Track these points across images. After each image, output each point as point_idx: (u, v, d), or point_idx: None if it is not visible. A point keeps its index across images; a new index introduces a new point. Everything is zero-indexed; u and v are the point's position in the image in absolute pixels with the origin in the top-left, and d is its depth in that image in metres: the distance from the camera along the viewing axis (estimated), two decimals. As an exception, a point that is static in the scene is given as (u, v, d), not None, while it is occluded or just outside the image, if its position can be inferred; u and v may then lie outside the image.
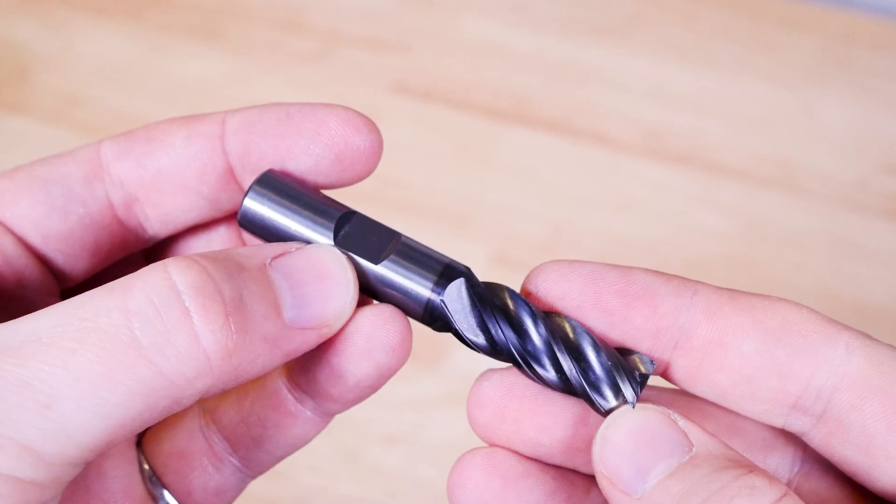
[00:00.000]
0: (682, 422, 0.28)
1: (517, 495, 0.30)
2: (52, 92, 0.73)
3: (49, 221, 0.32)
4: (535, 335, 0.29)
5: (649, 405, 0.28)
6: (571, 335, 0.29)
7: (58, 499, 0.28)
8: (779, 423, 0.30)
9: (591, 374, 0.29)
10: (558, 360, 0.29)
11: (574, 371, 0.29)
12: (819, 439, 0.30)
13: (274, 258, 0.29)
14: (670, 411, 0.28)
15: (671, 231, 0.66)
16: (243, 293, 0.27)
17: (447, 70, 0.73)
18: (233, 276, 0.27)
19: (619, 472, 0.27)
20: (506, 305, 0.30)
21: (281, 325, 0.28)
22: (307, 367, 0.31)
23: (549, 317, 0.30)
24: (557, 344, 0.29)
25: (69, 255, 0.32)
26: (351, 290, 0.29)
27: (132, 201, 0.33)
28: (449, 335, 0.31)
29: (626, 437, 0.28)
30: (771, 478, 0.26)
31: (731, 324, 0.30)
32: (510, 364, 0.30)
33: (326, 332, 0.29)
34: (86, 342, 0.26)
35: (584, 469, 0.31)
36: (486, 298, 0.30)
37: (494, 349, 0.30)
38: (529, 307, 0.30)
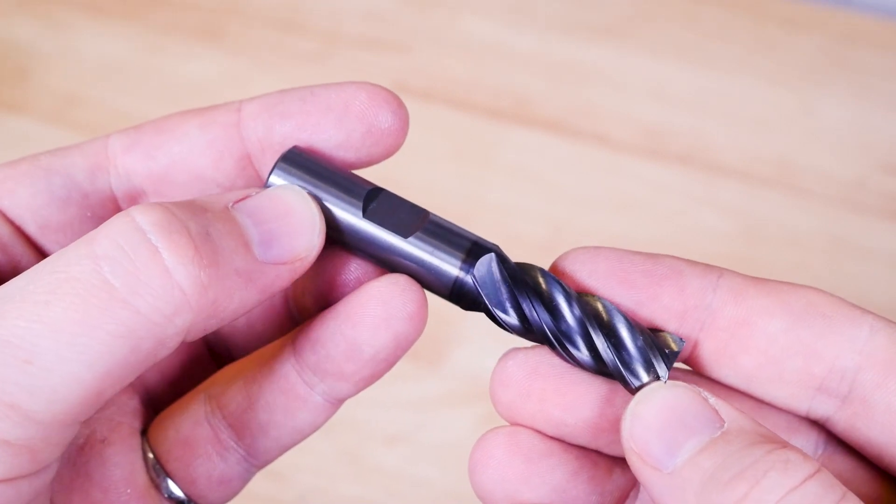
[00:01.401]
0: (712, 399, 0.28)
1: (540, 475, 0.30)
2: (52, 92, 0.73)
3: (47, 211, 0.32)
4: (569, 315, 0.29)
5: (680, 382, 0.28)
6: (604, 315, 0.29)
7: (53, 468, 0.27)
8: (803, 407, 0.30)
9: (624, 353, 0.29)
10: (592, 340, 0.29)
11: (608, 351, 0.29)
12: (843, 423, 0.29)
13: (236, 202, 0.29)
14: (700, 389, 0.28)
15: (671, 231, 0.66)
16: (209, 229, 0.27)
17: (447, 70, 0.73)
18: (197, 215, 0.27)
19: (649, 447, 0.27)
20: (538, 284, 0.30)
21: (252, 260, 0.28)
22: (321, 343, 0.31)
23: (580, 296, 0.30)
24: (591, 323, 0.29)
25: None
26: (317, 223, 0.29)
27: (138, 194, 0.32)
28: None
29: (657, 414, 0.27)
30: (804, 454, 0.26)
31: (757, 305, 0.30)
32: (535, 343, 0.30)
33: (299, 267, 0.29)
34: (58, 293, 0.26)
35: (607, 450, 0.31)
36: (518, 276, 0.30)
37: (526, 327, 0.30)
38: (563, 286, 0.30)
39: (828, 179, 0.68)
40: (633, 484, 0.31)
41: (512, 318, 0.30)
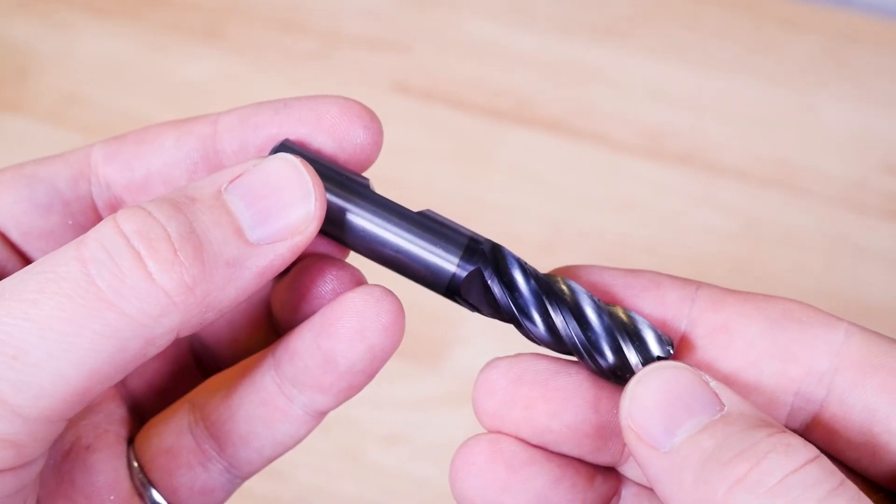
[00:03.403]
0: (713, 382, 0.28)
1: (521, 482, 0.30)
2: (51, 92, 0.73)
3: (29, 218, 0.32)
4: (598, 325, 0.29)
5: (681, 364, 0.28)
6: (630, 324, 0.29)
7: (39, 464, 0.28)
8: (782, 415, 0.30)
9: (646, 351, 0.29)
10: (622, 350, 0.29)
11: (640, 363, 0.29)
12: (821, 429, 0.30)
13: (231, 181, 0.29)
14: (702, 372, 0.28)
15: (671, 231, 0.66)
16: (195, 224, 0.27)
17: (447, 70, 0.73)
18: (179, 212, 0.27)
19: (648, 425, 0.27)
20: (565, 293, 0.30)
21: (244, 246, 0.28)
22: (298, 355, 0.31)
23: (607, 306, 0.30)
24: (621, 334, 0.29)
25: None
26: (311, 191, 0.29)
27: (118, 203, 0.33)
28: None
29: (657, 392, 0.27)
30: (804, 440, 0.26)
31: (735, 311, 0.30)
32: (559, 353, 0.30)
33: (299, 241, 0.29)
34: (46, 292, 0.26)
35: (589, 458, 0.31)
36: (546, 285, 0.30)
37: (554, 338, 0.30)
38: (590, 296, 0.30)
39: (828, 179, 0.68)
40: (615, 491, 0.32)
41: (539, 329, 0.30)
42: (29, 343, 0.25)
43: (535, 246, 0.65)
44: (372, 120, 0.31)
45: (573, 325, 0.29)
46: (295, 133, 0.31)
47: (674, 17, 0.76)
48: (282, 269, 0.29)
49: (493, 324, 0.32)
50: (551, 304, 0.29)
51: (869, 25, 0.75)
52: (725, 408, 0.27)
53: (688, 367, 0.28)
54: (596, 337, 0.29)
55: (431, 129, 0.71)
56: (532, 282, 0.30)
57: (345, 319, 0.30)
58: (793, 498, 0.24)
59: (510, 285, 0.30)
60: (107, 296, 0.26)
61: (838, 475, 0.25)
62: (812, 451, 0.26)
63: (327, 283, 0.31)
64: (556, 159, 0.69)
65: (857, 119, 0.70)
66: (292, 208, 0.29)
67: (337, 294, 0.31)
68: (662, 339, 0.29)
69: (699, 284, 0.31)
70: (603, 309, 0.29)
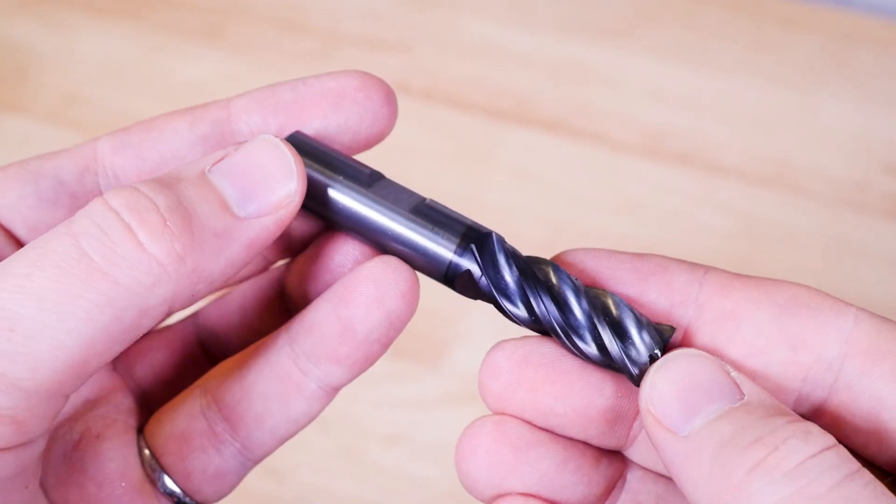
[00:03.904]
0: (734, 373, 0.28)
1: (528, 463, 0.30)
2: (51, 92, 0.73)
3: (35, 213, 0.32)
4: (577, 309, 0.29)
5: (703, 352, 0.28)
6: (613, 309, 0.29)
7: (40, 445, 0.28)
8: (789, 403, 0.30)
9: (631, 347, 0.29)
10: (599, 334, 0.29)
11: (615, 345, 0.29)
12: (828, 416, 0.30)
13: (214, 163, 0.29)
14: (723, 362, 0.28)
15: (671, 231, 0.66)
16: (181, 199, 0.28)
17: (447, 70, 0.73)
18: (167, 188, 0.28)
19: (667, 409, 0.27)
20: (548, 277, 0.30)
21: (231, 219, 0.28)
22: (316, 326, 0.31)
23: (590, 290, 0.30)
24: (599, 318, 0.29)
25: None
26: (292, 167, 0.29)
27: None
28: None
29: (679, 378, 0.27)
30: (823, 430, 0.26)
31: (743, 297, 0.30)
32: (539, 334, 0.30)
33: (284, 215, 0.29)
34: (39, 265, 0.26)
35: (595, 441, 0.31)
36: (528, 268, 0.30)
37: (534, 319, 0.30)
38: (572, 280, 0.30)
39: (828, 179, 0.68)
40: (620, 474, 0.32)
41: (520, 310, 0.30)
42: (24, 315, 0.26)
43: (535, 246, 0.65)
44: (389, 90, 0.32)
45: (552, 308, 0.29)
46: (317, 110, 0.32)
47: (674, 17, 0.76)
48: (269, 242, 0.29)
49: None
50: (531, 288, 0.30)
51: (869, 25, 0.75)
52: (745, 397, 0.27)
53: (710, 356, 0.28)
54: (574, 321, 0.29)
55: (431, 129, 0.71)
56: (513, 265, 0.30)
57: (362, 287, 0.30)
58: (809, 481, 0.24)
59: (493, 267, 0.30)
60: (100, 266, 0.26)
61: (855, 462, 0.25)
62: (830, 439, 0.26)
63: (349, 252, 0.32)
64: (556, 159, 0.69)
65: (857, 119, 0.70)
66: (275, 183, 0.29)
67: (360, 263, 0.32)
68: (641, 323, 0.29)
69: (707, 269, 0.31)
70: (582, 293, 0.29)
